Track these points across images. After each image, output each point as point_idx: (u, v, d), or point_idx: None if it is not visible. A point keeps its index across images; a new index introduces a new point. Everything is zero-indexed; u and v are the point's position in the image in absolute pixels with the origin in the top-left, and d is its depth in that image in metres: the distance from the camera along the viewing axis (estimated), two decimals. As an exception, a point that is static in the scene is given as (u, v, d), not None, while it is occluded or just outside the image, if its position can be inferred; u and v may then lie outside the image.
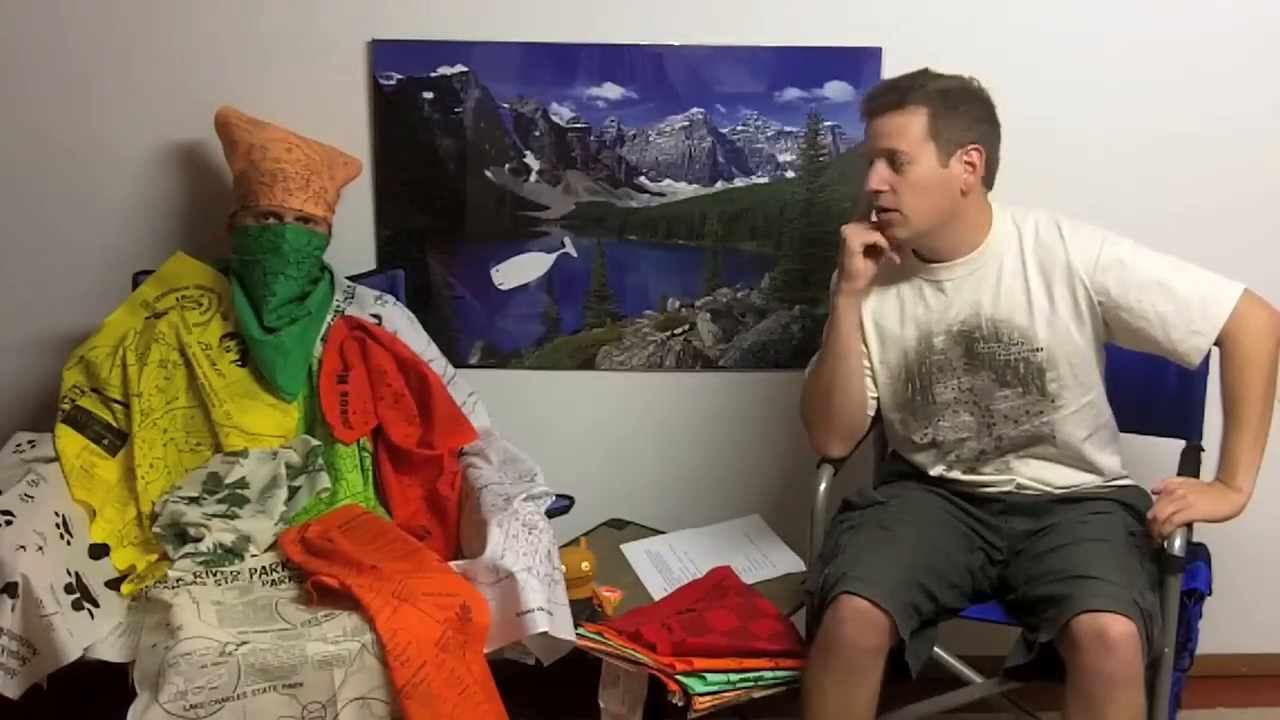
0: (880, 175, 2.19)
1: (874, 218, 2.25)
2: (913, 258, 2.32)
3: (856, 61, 2.61)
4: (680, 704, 2.15)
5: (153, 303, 2.41)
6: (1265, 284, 2.26)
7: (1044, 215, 2.28)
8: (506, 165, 2.67)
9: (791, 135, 2.65)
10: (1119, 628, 1.98)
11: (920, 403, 2.33)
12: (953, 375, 2.30)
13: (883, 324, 2.34)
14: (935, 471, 2.36)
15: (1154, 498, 2.21)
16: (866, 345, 2.36)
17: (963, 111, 2.20)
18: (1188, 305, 2.19)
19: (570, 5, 2.58)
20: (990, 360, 2.27)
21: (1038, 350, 2.25)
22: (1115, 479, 2.35)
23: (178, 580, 2.16)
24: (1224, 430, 2.20)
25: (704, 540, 2.62)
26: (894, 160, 2.18)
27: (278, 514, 2.30)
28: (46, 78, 2.57)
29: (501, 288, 2.73)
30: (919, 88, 2.19)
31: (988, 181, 2.26)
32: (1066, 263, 2.23)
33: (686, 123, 2.65)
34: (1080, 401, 2.28)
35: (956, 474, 2.35)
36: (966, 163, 2.20)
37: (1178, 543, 2.13)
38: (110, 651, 2.06)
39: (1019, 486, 2.33)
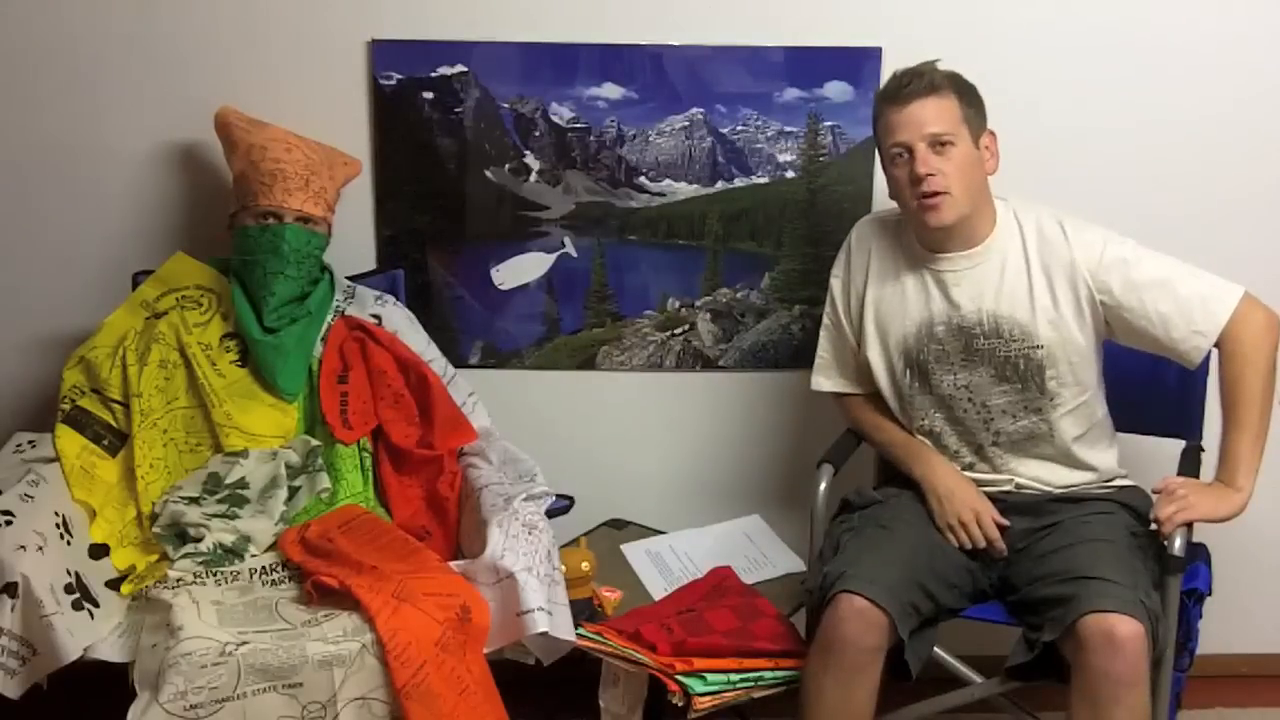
0: (930, 161, 2.19)
1: (915, 204, 2.21)
2: (918, 248, 2.33)
3: (856, 61, 2.60)
4: (680, 704, 2.15)
5: (153, 303, 2.41)
6: (1265, 285, 2.26)
7: (1045, 212, 2.29)
8: (506, 165, 2.67)
9: (791, 135, 2.65)
10: (1126, 628, 1.98)
11: (918, 389, 2.34)
12: (950, 370, 2.30)
13: (884, 311, 2.35)
14: None
15: (1154, 498, 2.21)
16: (862, 339, 2.37)
17: (976, 98, 2.25)
18: (1189, 305, 2.19)
19: (570, 5, 2.58)
20: (990, 356, 2.27)
21: (1038, 348, 2.25)
22: (1113, 478, 2.36)
23: (178, 580, 2.16)
24: (1223, 431, 2.21)
25: (704, 540, 2.62)
26: (937, 144, 2.20)
27: (278, 514, 2.30)
28: (47, 78, 2.57)
29: (501, 288, 2.73)
30: (942, 75, 2.22)
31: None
32: (1070, 260, 2.23)
33: (686, 123, 2.65)
34: (1077, 400, 2.28)
35: (954, 468, 2.35)
36: (987, 148, 2.25)
37: (1178, 543, 2.13)
38: (110, 651, 2.06)
39: (1018, 486, 2.33)
